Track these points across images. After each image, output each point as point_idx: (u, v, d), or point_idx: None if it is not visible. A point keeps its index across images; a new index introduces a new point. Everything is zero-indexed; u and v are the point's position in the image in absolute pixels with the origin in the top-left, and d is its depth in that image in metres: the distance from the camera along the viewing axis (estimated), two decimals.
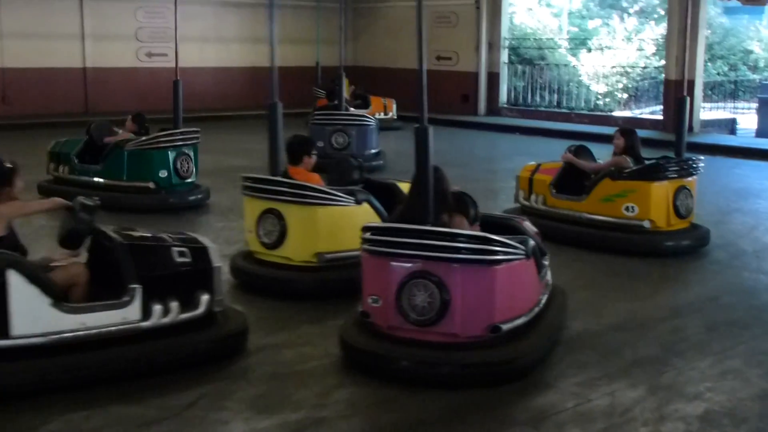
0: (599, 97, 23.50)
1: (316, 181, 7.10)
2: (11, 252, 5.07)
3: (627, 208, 8.49)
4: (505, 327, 5.28)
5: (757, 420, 4.78)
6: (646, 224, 8.47)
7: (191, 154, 10.63)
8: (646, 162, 8.87)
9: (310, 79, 20.95)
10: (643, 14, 31.76)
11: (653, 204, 8.47)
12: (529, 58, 24.16)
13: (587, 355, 5.76)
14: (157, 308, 5.26)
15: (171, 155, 10.32)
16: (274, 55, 7.56)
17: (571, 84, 23.60)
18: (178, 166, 10.37)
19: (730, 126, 20.07)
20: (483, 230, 5.55)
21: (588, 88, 23.78)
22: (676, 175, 8.62)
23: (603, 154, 9.77)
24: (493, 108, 22.39)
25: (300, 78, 21.13)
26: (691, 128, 18.33)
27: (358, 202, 6.88)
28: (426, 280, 5.18)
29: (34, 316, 4.90)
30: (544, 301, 5.93)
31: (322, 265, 6.85)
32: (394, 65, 23.86)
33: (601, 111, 22.21)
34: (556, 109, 22.04)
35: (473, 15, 22.33)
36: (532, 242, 5.70)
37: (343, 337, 5.55)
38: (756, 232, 9.59)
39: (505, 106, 22.41)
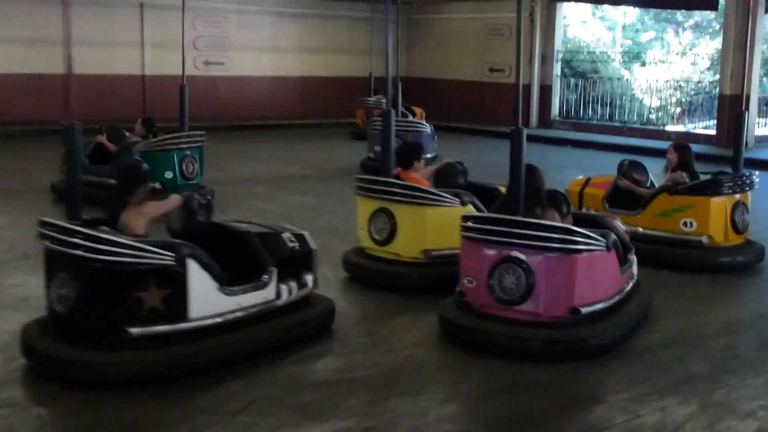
0: (652, 111, 23.25)
1: (424, 184, 7.51)
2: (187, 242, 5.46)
3: (685, 224, 8.38)
4: (584, 310, 5.82)
5: None
6: (705, 240, 8.36)
7: (196, 156, 10.98)
8: (702, 177, 8.76)
9: (361, 89, 20.99)
10: (698, 29, 31.46)
11: (712, 219, 8.36)
12: (582, 71, 24.02)
13: (638, 370, 5.68)
14: (284, 287, 5.91)
15: (176, 157, 10.69)
16: (389, 66, 8.34)
17: (623, 98, 23.38)
18: (184, 167, 10.77)
19: None
20: (574, 224, 6.02)
21: (641, 101, 23.54)
22: (733, 191, 8.50)
23: (654, 168, 9.66)
24: (544, 120, 22.28)
25: (351, 88, 21.28)
26: (746, 144, 18.09)
27: (463, 204, 7.22)
28: (514, 264, 5.78)
29: (206, 299, 5.40)
30: (627, 291, 6.45)
31: (428, 261, 7.24)
32: (446, 76, 23.89)
33: (654, 125, 21.96)
34: (608, 123, 21.87)
35: (527, 27, 22.22)
36: (613, 237, 6.19)
37: (442, 313, 6.18)
38: None
39: (557, 118, 22.29)
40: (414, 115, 18.85)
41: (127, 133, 11.25)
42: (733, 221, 8.42)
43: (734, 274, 8.31)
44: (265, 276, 5.81)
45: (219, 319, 5.47)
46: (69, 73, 6.25)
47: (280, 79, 23.03)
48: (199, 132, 11.04)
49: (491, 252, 5.93)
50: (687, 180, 8.63)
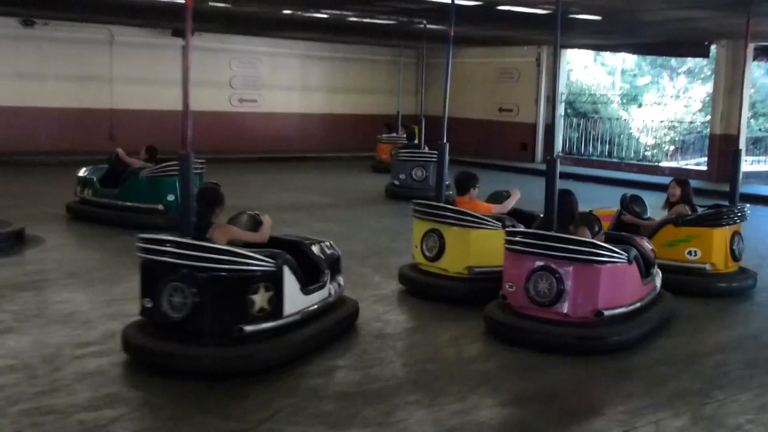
0: (647, 148, 23.21)
1: (484, 208, 7.89)
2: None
3: (690, 252, 8.34)
4: (607, 313, 6.24)
5: None
6: (708, 267, 8.35)
7: (197, 181, 10.97)
8: (699, 209, 8.79)
9: (380, 125, 21.08)
10: (691, 74, 31.40)
11: (715, 248, 8.35)
12: (584, 111, 24.01)
13: (634, 385, 5.63)
14: (332, 287, 6.45)
15: (178, 182, 10.66)
16: (446, 104, 8.49)
17: (621, 136, 23.34)
18: None
19: None
20: (606, 242, 6.51)
21: (637, 140, 23.50)
22: (732, 222, 8.51)
23: (650, 201, 9.60)
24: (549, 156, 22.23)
25: (371, 125, 21.34)
26: None
27: (504, 227, 7.34)
28: (547, 272, 6.26)
29: (294, 299, 5.86)
30: (648, 299, 6.88)
31: (472, 277, 7.48)
32: (460, 115, 23.90)
33: (649, 161, 21.91)
34: (607, 159, 21.80)
35: (534, 71, 22.29)
36: (634, 252, 6.60)
37: (486, 314, 6.65)
38: None
39: (561, 154, 22.25)
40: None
41: (133, 159, 11.53)
42: (732, 250, 8.42)
43: (727, 298, 8.25)
44: (324, 278, 6.34)
45: (299, 316, 5.93)
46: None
47: (307, 115, 23.14)
48: (200, 160, 11.20)
49: (529, 261, 6.37)
50: (689, 212, 8.61)
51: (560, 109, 22.32)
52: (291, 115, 22.80)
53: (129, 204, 10.90)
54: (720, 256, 8.39)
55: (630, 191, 9.70)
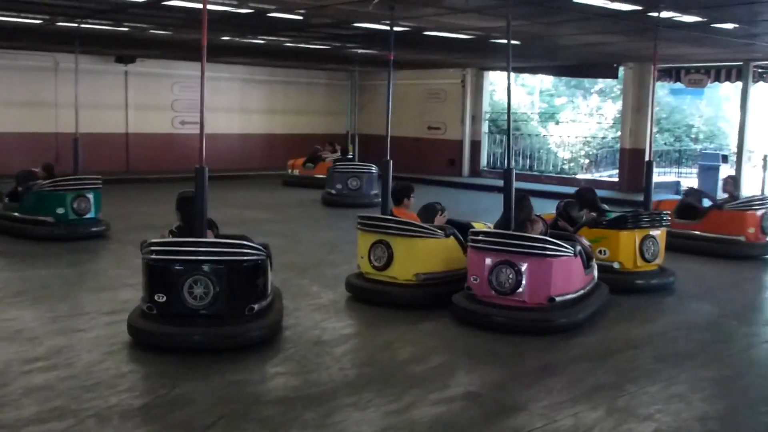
0: (565, 162, 23.63)
1: (414, 218, 8.06)
2: None
3: (600, 251, 8.63)
4: (558, 299, 6.88)
5: None
6: (616, 265, 8.66)
7: (91, 196, 11.34)
8: (609, 214, 9.20)
9: (307, 145, 21.17)
10: (603, 93, 32.09)
11: (621, 249, 8.67)
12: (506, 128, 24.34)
13: (555, 381, 5.72)
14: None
15: (69, 197, 11.09)
16: (389, 123, 8.94)
17: (541, 151, 23.73)
18: (75, 205, 11.10)
19: (675, 188, 20.11)
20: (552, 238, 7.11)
21: (555, 154, 23.91)
22: (640, 226, 8.82)
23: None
24: (475, 170, 22.48)
25: (309, 143, 21.29)
26: (642, 189, 18.42)
27: (447, 236, 7.77)
28: (507, 265, 6.88)
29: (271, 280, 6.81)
30: (589, 287, 7.49)
31: (419, 283, 7.64)
32: (393, 133, 23.89)
33: (567, 174, 22.29)
34: (529, 172, 22.10)
35: (459, 92, 22.53)
36: (579, 246, 7.23)
37: (454, 302, 7.20)
38: (697, 278, 9.56)
39: (486, 169, 22.50)
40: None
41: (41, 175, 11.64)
42: (641, 251, 8.70)
43: (646, 295, 8.50)
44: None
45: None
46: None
47: (247, 136, 22.99)
48: (94, 177, 11.54)
49: (491, 256, 6.97)
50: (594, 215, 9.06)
51: (484, 127, 22.58)
52: (232, 135, 22.60)
53: (26, 216, 11.13)
54: (628, 256, 8.70)
55: (567, 200, 9.97)
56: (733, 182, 11.62)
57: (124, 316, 6.94)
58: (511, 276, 6.89)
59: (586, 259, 7.51)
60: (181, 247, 6.19)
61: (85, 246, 10.64)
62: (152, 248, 6.15)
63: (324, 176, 17.29)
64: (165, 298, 6.08)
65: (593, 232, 8.73)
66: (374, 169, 15.95)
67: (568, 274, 7.07)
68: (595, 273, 7.83)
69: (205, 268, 6.09)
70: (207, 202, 6.51)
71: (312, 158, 19.48)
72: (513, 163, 7.99)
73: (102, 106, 20.31)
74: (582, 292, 7.29)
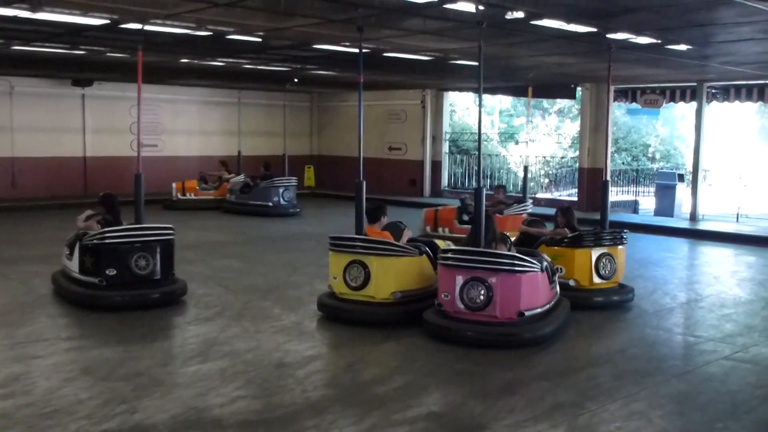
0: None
1: (387, 236, 8.18)
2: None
3: (558, 269, 8.68)
4: (528, 313, 7.07)
5: None
6: (572, 282, 8.79)
7: None
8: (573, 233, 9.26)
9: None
10: (561, 114, 32.53)
11: (576, 266, 8.81)
12: (466, 148, 24.52)
13: (516, 400, 5.77)
14: None
15: None
16: (360, 145, 9.70)
17: (501, 170, 23.96)
18: None
19: (633, 206, 20.43)
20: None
21: (515, 174, 24.14)
22: (595, 244, 8.93)
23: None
24: (436, 190, 22.61)
25: (259, 164, 21.22)
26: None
27: (420, 254, 7.96)
28: (478, 282, 7.07)
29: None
30: (554, 303, 7.68)
31: (396, 301, 7.79)
32: (354, 154, 24.07)
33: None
34: (489, 192, 22.26)
35: (420, 113, 22.69)
36: (545, 262, 7.48)
37: (426, 318, 7.37)
38: (655, 295, 9.72)
39: (446, 188, 22.64)
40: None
41: None
42: (597, 268, 8.82)
43: (606, 312, 8.62)
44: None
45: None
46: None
47: (206, 158, 22.85)
48: None
49: (462, 273, 7.14)
50: (567, 235, 9.08)
51: (445, 147, 22.74)
52: (191, 158, 22.50)
53: None
54: (583, 273, 8.84)
55: (533, 218, 10.12)
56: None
57: (83, 342, 6.89)
58: (482, 292, 7.07)
59: (551, 274, 7.74)
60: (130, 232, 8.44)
61: (36, 270, 10.47)
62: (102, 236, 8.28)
63: (222, 197, 18.80)
64: (115, 272, 8.26)
65: (550, 250, 8.85)
66: (293, 180, 18.52)
67: (536, 289, 7.27)
68: (557, 288, 8.03)
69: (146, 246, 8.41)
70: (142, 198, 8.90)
71: (204, 179, 19.66)
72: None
73: (59, 129, 20.13)
74: (548, 306, 7.50)
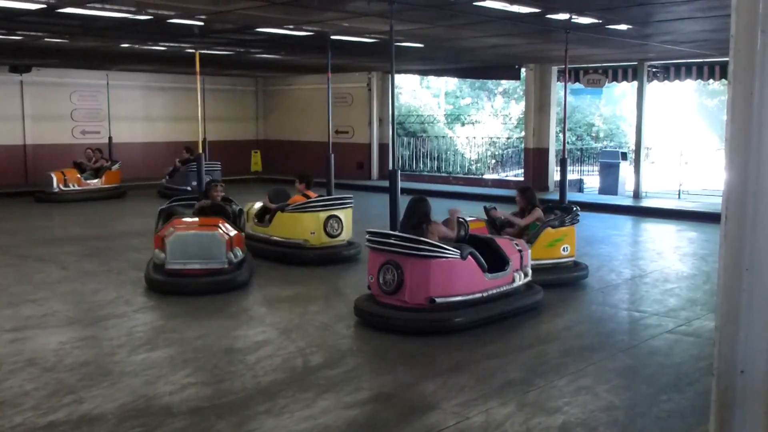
0: (472, 162, 24.03)
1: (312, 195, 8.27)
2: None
3: (564, 249, 8.92)
4: (439, 300, 6.88)
5: (605, 428, 4.89)
6: (572, 261, 9.10)
7: None
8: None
9: (216, 151, 20.83)
10: (506, 95, 32.76)
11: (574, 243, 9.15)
12: (413, 131, 24.61)
13: (466, 379, 5.82)
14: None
15: None
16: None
17: (448, 152, 24.07)
18: None
19: (578, 185, 20.71)
20: (473, 245, 7.35)
21: (462, 155, 24.30)
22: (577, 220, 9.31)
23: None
24: (384, 173, 22.61)
25: (216, 150, 21.00)
26: (546, 188, 18.91)
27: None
28: (391, 265, 6.98)
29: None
30: (496, 293, 7.37)
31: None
32: (299, 138, 24.01)
33: (474, 174, 22.69)
34: (437, 174, 22.42)
35: (366, 96, 22.64)
36: (469, 249, 7.14)
37: (355, 302, 7.44)
38: (601, 272, 9.87)
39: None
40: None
41: None
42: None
43: (553, 289, 8.55)
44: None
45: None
46: None
47: (151, 144, 22.54)
48: None
49: (379, 256, 7.10)
50: (542, 215, 9.12)
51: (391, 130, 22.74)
52: (135, 144, 22.15)
53: None
54: (574, 248, 9.17)
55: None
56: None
57: (26, 333, 6.75)
58: (394, 276, 6.98)
59: (498, 263, 7.46)
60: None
61: None
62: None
63: (109, 186, 18.37)
64: None
65: (559, 232, 8.95)
66: (218, 165, 18.69)
67: (453, 277, 6.99)
68: (518, 280, 7.67)
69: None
70: None
71: (81, 167, 18.34)
72: (398, 165, 8.10)
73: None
74: (479, 296, 7.18)
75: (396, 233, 7.24)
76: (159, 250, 8.74)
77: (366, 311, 7.23)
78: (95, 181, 18.23)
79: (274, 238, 10.60)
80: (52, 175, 17.47)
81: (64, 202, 17.11)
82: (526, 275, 7.87)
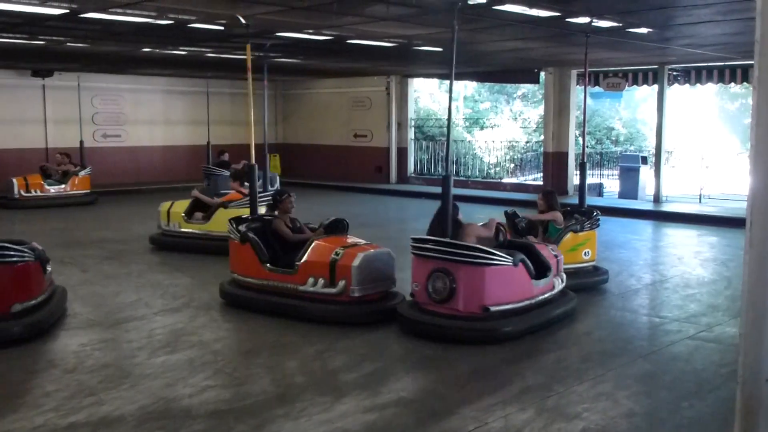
0: (490, 166, 23.96)
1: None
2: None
3: (585, 253, 8.91)
4: (494, 308, 6.77)
5: None
6: (593, 266, 9.14)
7: None
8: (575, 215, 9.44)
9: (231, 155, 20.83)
10: (525, 98, 32.67)
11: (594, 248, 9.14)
12: (432, 135, 24.56)
13: (485, 384, 5.80)
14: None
15: None
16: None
17: (467, 156, 24.02)
18: None
19: (598, 189, 20.58)
20: (511, 250, 7.17)
21: (481, 159, 24.22)
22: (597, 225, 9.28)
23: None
24: (402, 177, 22.62)
25: (233, 154, 21.08)
26: (566, 191, 18.84)
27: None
28: (442, 273, 6.79)
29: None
30: (540, 299, 7.29)
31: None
32: (317, 142, 24.10)
33: (492, 178, 22.63)
34: (455, 177, 22.35)
35: (385, 99, 22.66)
36: (521, 256, 7.03)
37: (398, 310, 7.18)
38: (620, 277, 9.81)
39: (413, 175, 22.67)
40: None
41: None
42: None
43: (578, 294, 8.40)
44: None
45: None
46: None
47: (171, 147, 22.68)
48: None
49: (428, 264, 6.91)
50: (562, 219, 9.12)
51: (410, 134, 22.75)
52: (155, 148, 22.31)
53: None
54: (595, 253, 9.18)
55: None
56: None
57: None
58: (445, 283, 6.78)
59: (541, 270, 7.37)
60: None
61: None
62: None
63: (77, 192, 17.38)
64: None
65: (580, 236, 8.96)
66: (224, 171, 16.62)
67: (506, 284, 6.91)
68: (558, 285, 7.64)
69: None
70: None
71: (47, 172, 17.52)
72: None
73: (20, 121, 19.84)
74: (527, 303, 7.10)
75: (446, 240, 6.94)
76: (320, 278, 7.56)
77: (412, 319, 6.98)
78: (61, 187, 17.40)
79: (215, 233, 10.97)
80: (14, 180, 16.87)
81: (25, 209, 16.43)
82: (562, 281, 7.83)
